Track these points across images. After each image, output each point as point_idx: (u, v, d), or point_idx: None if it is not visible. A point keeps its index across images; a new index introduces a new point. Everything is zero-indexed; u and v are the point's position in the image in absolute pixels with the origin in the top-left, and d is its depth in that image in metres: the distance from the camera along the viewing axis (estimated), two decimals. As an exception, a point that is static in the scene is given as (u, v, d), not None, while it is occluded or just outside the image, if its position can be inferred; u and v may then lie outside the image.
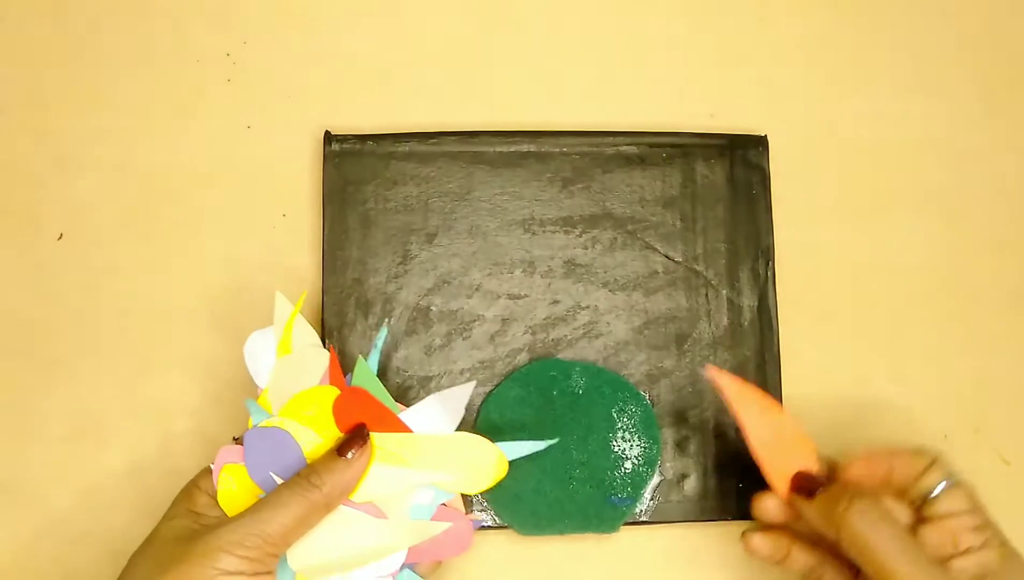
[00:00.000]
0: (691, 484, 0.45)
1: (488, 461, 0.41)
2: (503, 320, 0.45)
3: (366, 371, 0.40)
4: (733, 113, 0.49)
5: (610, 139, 0.47)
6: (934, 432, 0.47)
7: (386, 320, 0.43)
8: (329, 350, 0.41)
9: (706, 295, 0.46)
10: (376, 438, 0.40)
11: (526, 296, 0.46)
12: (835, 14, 0.50)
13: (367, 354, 0.41)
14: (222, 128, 0.48)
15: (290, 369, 0.41)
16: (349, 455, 0.39)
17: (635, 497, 0.44)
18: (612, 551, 0.45)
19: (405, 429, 0.40)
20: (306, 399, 0.40)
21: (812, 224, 0.48)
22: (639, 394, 0.45)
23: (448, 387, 0.45)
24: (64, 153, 0.47)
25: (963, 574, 0.38)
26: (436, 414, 0.41)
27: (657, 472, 0.45)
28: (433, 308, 0.45)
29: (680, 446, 0.45)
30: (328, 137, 0.46)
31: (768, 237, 0.47)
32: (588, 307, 0.46)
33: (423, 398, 0.41)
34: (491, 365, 0.45)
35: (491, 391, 0.45)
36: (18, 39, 0.48)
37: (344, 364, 0.44)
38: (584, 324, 0.46)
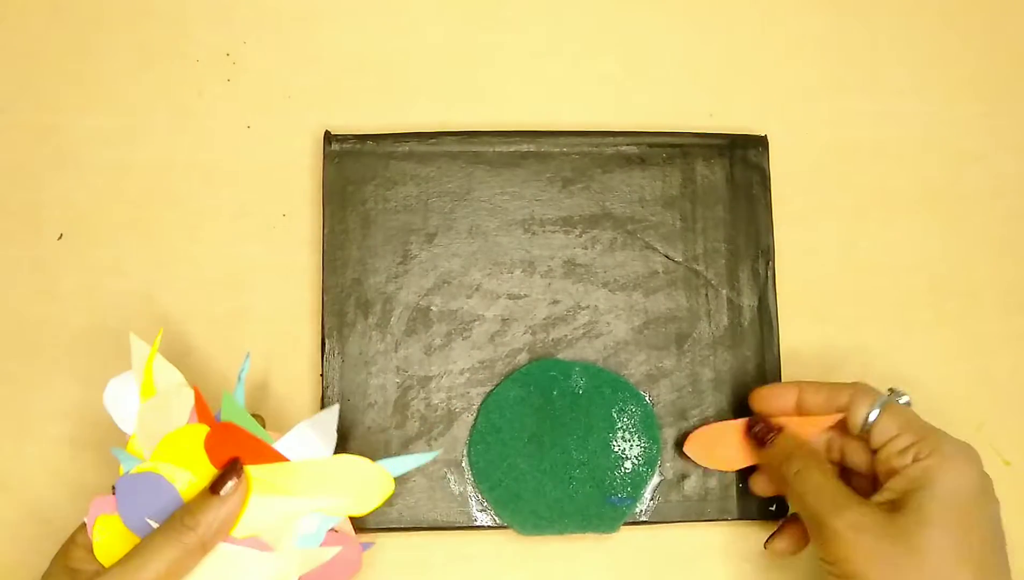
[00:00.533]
0: (691, 484, 0.45)
1: (372, 480, 0.39)
2: (503, 320, 0.45)
3: (233, 405, 0.38)
4: (733, 113, 0.49)
5: (610, 139, 0.47)
6: (934, 432, 0.47)
7: (247, 353, 0.40)
8: (193, 389, 0.39)
9: (706, 295, 0.46)
10: (252, 470, 0.38)
11: (526, 296, 0.46)
12: (835, 14, 0.50)
13: (236, 386, 0.40)
14: (222, 128, 0.48)
15: (156, 411, 0.39)
16: (223, 491, 0.37)
17: (635, 497, 0.44)
18: (612, 551, 0.45)
19: (281, 459, 0.39)
20: (177, 440, 0.38)
21: (812, 224, 0.48)
22: (639, 394, 0.45)
23: (447, 386, 0.45)
24: (64, 153, 0.47)
25: (890, 493, 0.38)
26: (310, 439, 0.39)
27: (657, 472, 0.45)
28: (433, 308, 0.45)
29: (680, 446, 0.45)
30: (328, 137, 0.46)
31: (768, 237, 0.47)
32: (588, 307, 0.46)
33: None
34: (491, 365, 0.45)
35: (491, 391, 0.45)
36: (18, 39, 0.48)
37: (344, 387, 0.44)
38: (584, 324, 0.46)
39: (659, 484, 0.45)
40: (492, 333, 0.45)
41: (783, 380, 0.46)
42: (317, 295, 0.45)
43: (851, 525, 0.37)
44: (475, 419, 0.45)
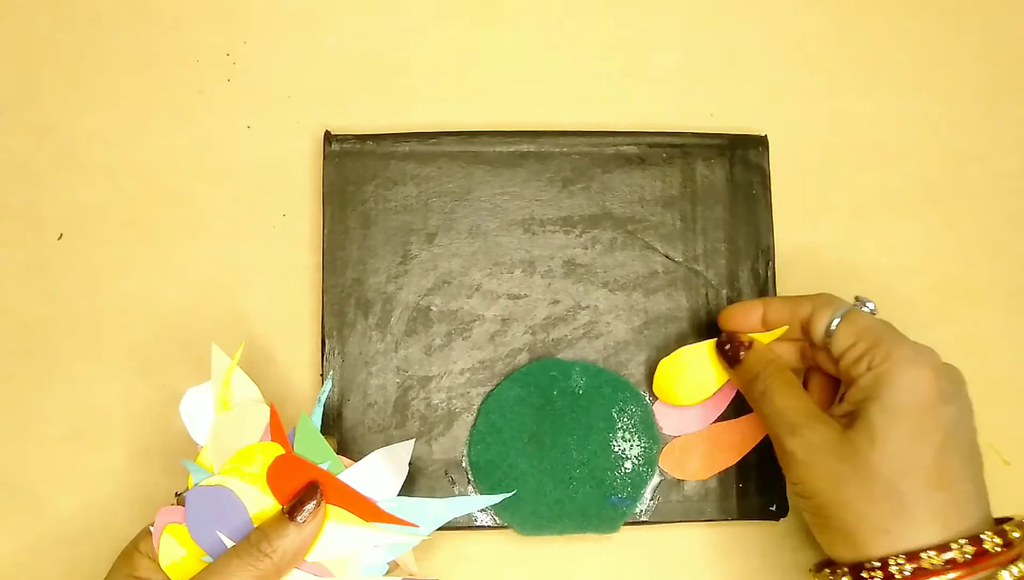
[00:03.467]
0: (691, 484, 0.45)
1: (431, 518, 0.39)
2: (503, 320, 0.45)
3: (309, 428, 0.38)
4: (733, 113, 0.49)
5: (610, 139, 0.47)
6: (934, 432, 0.47)
7: (330, 372, 0.40)
8: (269, 406, 0.39)
9: (706, 295, 0.46)
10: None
11: (526, 296, 0.46)
12: (835, 14, 0.50)
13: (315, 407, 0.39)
14: (222, 128, 0.48)
15: (230, 425, 0.39)
16: (300, 518, 0.36)
17: (635, 497, 0.44)
18: (612, 551, 0.45)
19: (350, 492, 0.38)
20: (248, 455, 0.38)
21: (812, 224, 0.48)
22: (639, 394, 0.45)
23: (447, 386, 0.45)
24: (64, 153, 0.47)
25: (847, 405, 0.37)
26: (381, 471, 0.38)
27: (657, 472, 0.45)
28: (433, 308, 0.45)
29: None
30: (328, 137, 0.46)
31: (768, 237, 0.47)
32: (588, 307, 0.46)
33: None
34: (491, 365, 0.45)
35: (491, 391, 0.45)
36: (18, 39, 0.48)
37: (344, 377, 0.44)
38: (584, 324, 0.46)
39: (659, 484, 0.45)
40: (492, 333, 0.45)
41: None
42: (317, 295, 0.45)
43: (804, 445, 0.36)
44: (475, 419, 0.45)
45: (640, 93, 0.49)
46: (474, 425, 0.44)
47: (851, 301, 0.40)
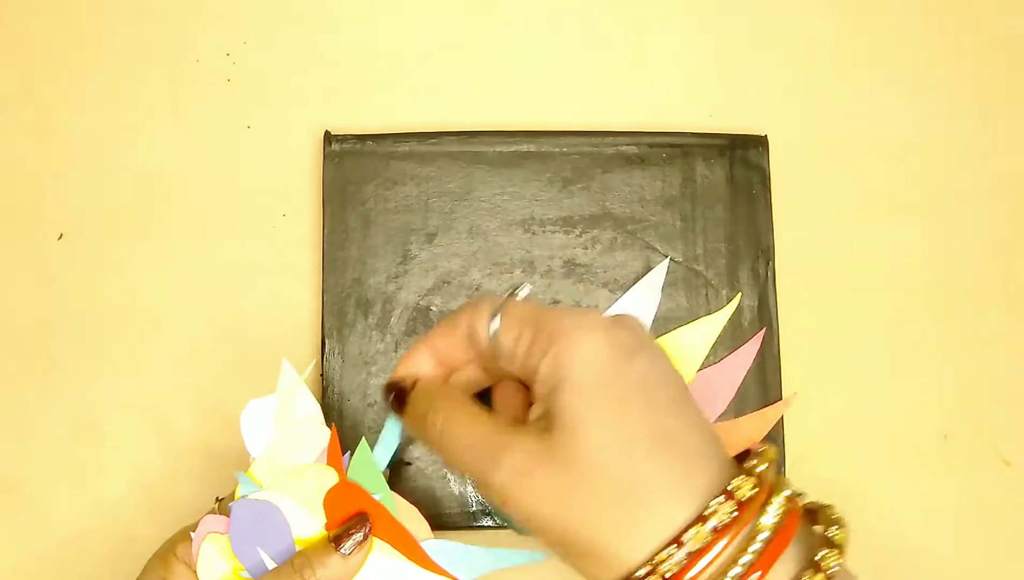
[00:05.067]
0: (691, 484, 0.45)
1: (475, 565, 0.37)
2: (503, 320, 0.45)
3: (366, 456, 0.37)
4: (733, 113, 0.49)
5: (610, 139, 0.47)
6: (934, 432, 0.47)
7: (391, 417, 0.38)
8: (331, 429, 0.38)
9: (706, 295, 0.46)
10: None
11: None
12: (835, 14, 0.50)
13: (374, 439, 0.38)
14: (222, 128, 0.48)
15: (287, 442, 0.38)
16: (345, 548, 0.35)
17: (635, 497, 0.44)
18: (612, 551, 0.45)
19: (398, 528, 0.37)
20: (300, 475, 0.37)
21: (812, 224, 0.48)
22: (639, 394, 0.45)
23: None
24: (64, 153, 0.47)
25: (539, 407, 0.32)
26: (451, 551, 0.37)
27: (657, 472, 0.44)
28: (433, 308, 0.45)
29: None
30: (328, 137, 0.46)
31: (768, 237, 0.47)
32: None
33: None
34: (491, 365, 0.45)
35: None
36: (18, 39, 0.48)
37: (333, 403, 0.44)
38: (584, 324, 0.46)
39: (659, 484, 0.44)
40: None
41: (783, 383, 0.45)
42: (317, 295, 0.45)
43: (512, 473, 0.30)
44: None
45: (640, 93, 0.49)
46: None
47: (505, 296, 0.35)
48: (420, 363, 0.36)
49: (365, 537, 0.35)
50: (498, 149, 0.47)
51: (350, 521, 0.36)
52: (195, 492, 0.44)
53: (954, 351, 0.48)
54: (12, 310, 0.46)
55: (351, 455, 0.38)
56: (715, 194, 0.47)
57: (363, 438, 0.38)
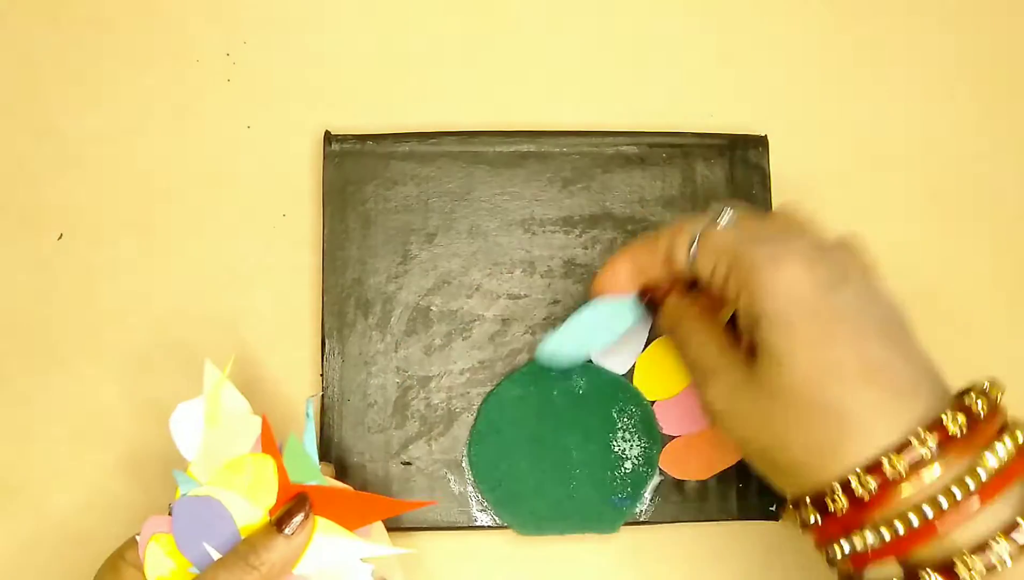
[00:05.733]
0: (691, 484, 0.45)
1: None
2: (503, 320, 0.45)
3: (297, 450, 0.37)
4: (733, 113, 0.49)
5: (610, 139, 0.47)
6: (934, 432, 0.47)
7: (315, 396, 0.40)
8: (261, 418, 0.38)
9: (706, 295, 0.46)
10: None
11: (526, 296, 0.46)
12: (835, 14, 0.50)
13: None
14: (222, 128, 0.48)
15: (220, 438, 0.38)
16: (288, 529, 0.35)
17: (635, 497, 0.44)
18: (612, 551, 0.45)
19: (340, 502, 0.37)
20: (238, 467, 0.37)
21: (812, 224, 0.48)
22: (639, 394, 0.45)
23: (447, 386, 0.45)
24: (64, 153, 0.47)
25: (746, 336, 0.33)
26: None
27: (657, 472, 0.45)
28: (433, 308, 0.45)
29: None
30: (328, 137, 0.46)
31: (768, 237, 0.47)
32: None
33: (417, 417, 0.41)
34: (491, 365, 0.45)
35: (491, 391, 0.45)
36: (18, 39, 0.48)
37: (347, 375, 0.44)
38: (584, 324, 0.46)
39: (659, 484, 0.45)
40: (492, 333, 0.45)
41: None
42: (317, 295, 0.45)
43: (720, 394, 0.33)
44: (475, 419, 0.45)
45: (640, 93, 0.49)
46: (474, 425, 0.44)
47: (704, 222, 0.35)
48: (621, 273, 0.38)
49: (307, 516, 0.36)
50: (498, 149, 0.47)
51: (290, 503, 0.36)
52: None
53: (954, 351, 0.48)
54: (12, 310, 0.46)
55: (285, 442, 0.38)
56: (715, 194, 0.47)
57: (291, 433, 0.38)
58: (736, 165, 0.47)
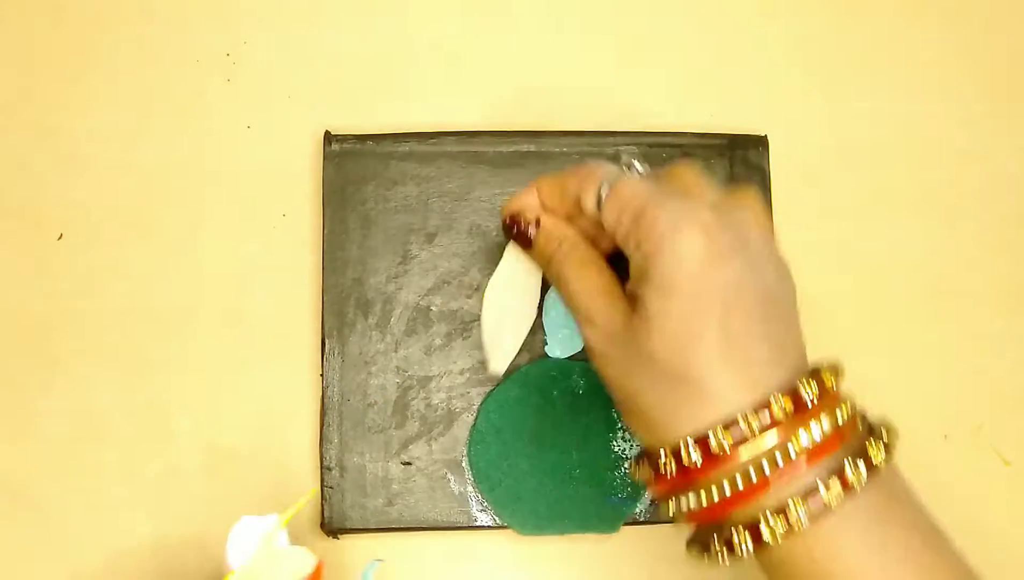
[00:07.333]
0: (691, 484, 0.45)
1: None
2: (503, 320, 0.45)
3: None
4: (733, 113, 0.49)
5: (610, 139, 0.47)
6: (934, 432, 0.47)
7: (376, 562, 0.38)
8: (318, 563, 0.37)
9: (706, 295, 0.46)
10: None
11: (526, 296, 0.46)
12: (835, 14, 0.50)
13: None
14: (222, 128, 0.48)
15: (270, 561, 0.37)
16: None
17: (635, 497, 0.44)
18: (612, 551, 0.45)
19: None
20: None
21: (812, 224, 0.48)
22: (639, 394, 0.45)
23: (447, 386, 0.45)
24: (64, 153, 0.47)
25: (632, 284, 0.34)
26: None
27: (657, 472, 0.45)
28: (433, 308, 0.45)
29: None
30: (328, 137, 0.46)
31: (768, 237, 0.47)
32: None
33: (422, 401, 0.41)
34: (491, 365, 0.45)
35: (491, 391, 0.45)
36: (18, 39, 0.48)
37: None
38: (584, 324, 0.46)
39: (659, 484, 0.45)
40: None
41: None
42: (317, 295, 0.45)
43: (596, 335, 0.34)
44: (475, 419, 0.45)
45: (640, 93, 0.49)
46: (474, 425, 0.44)
47: (616, 171, 0.36)
48: (529, 203, 0.38)
49: None
50: (498, 149, 0.47)
51: None
52: (195, 492, 0.44)
53: (954, 351, 0.48)
54: (12, 310, 0.46)
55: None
56: (715, 194, 0.47)
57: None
58: (736, 165, 0.47)
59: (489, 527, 0.44)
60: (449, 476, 0.44)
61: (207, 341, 0.46)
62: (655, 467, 0.33)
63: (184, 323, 0.46)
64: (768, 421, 0.31)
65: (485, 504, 0.44)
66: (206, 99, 0.48)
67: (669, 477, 0.33)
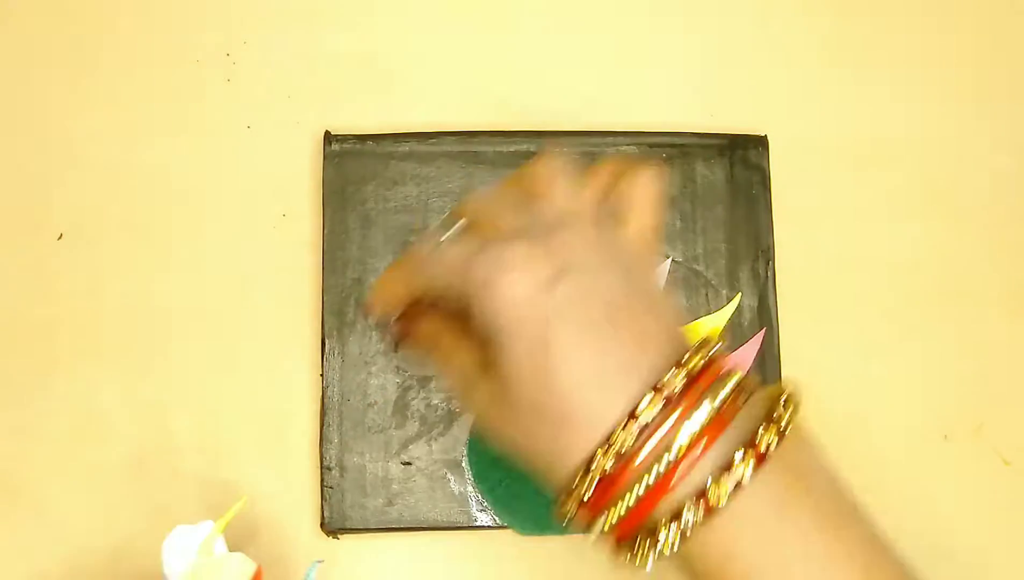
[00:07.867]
0: (691, 484, 0.45)
1: None
2: (503, 320, 0.45)
3: None
4: (733, 113, 0.49)
5: (610, 139, 0.47)
6: (934, 432, 0.47)
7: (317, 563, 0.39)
8: (256, 568, 0.37)
9: (706, 295, 0.46)
10: None
11: (526, 296, 0.46)
12: (835, 14, 0.50)
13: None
14: (222, 128, 0.48)
15: (210, 571, 0.37)
16: None
17: (635, 497, 0.44)
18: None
19: None
20: None
21: (812, 224, 0.48)
22: (639, 394, 0.45)
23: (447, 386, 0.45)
24: (64, 153, 0.47)
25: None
26: None
27: (657, 472, 0.44)
28: (433, 308, 0.45)
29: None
30: (328, 137, 0.46)
31: (768, 237, 0.47)
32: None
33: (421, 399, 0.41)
34: (491, 365, 0.45)
35: (491, 391, 0.45)
36: (18, 39, 0.48)
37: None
38: (584, 324, 0.46)
39: (659, 484, 0.44)
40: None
41: (783, 380, 0.45)
42: (317, 295, 0.45)
43: (478, 407, 0.33)
44: (475, 419, 0.45)
45: (640, 93, 0.49)
46: (474, 425, 0.44)
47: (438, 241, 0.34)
48: (398, 291, 0.35)
49: None
50: (498, 149, 0.47)
51: None
52: (195, 492, 0.44)
53: (954, 351, 0.48)
54: (12, 310, 0.46)
55: None
56: (715, 194, 0.47)
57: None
58: (736, 165, 0.47)
59: (489, 527, 0.44)
60: (449, 476, 0.44)
61: (207, 341, 0.46)
62: (578, 496, 0.31)
63: (184, 323, 0.46)
64: (644, 426, 0.29)
65: (485, 504, 0.44)
66: (206, 99, 0.48)
67: (576, 513, 0.31)
